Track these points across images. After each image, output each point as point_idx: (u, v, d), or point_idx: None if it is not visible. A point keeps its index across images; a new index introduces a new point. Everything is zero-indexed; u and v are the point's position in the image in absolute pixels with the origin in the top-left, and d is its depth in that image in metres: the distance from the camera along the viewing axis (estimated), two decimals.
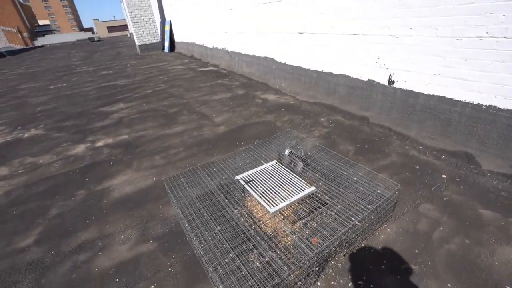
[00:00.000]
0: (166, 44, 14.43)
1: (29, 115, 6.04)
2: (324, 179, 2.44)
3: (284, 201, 1.98)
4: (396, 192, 2.12)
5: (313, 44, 4.74)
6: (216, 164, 2.81)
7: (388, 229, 2.11)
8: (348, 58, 4.07)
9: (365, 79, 3.88)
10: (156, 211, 2.58)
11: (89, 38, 27.82)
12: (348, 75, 4.17)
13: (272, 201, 2.00)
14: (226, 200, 2.17)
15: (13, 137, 4.87)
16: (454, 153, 2.95)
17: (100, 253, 2.20)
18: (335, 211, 2.08)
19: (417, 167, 2.89)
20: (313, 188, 2.08)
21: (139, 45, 14.28)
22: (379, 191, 2.17)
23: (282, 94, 5.77)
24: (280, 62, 5.80)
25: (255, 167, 2.56)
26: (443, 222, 2.14)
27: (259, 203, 2.03)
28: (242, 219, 2.05)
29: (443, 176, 2.70)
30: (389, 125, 3.66)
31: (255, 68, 6.86)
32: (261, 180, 2.26)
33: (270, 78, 6.30)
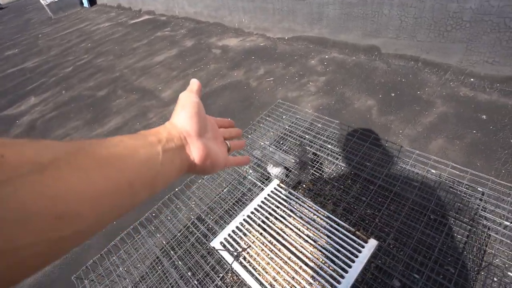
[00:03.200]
0: None
1: None
2: (378, 207, 1.39)
3: None
4: None
5: None
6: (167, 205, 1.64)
7: None
8: None
9: None
10: None
11: None
12: None
13: None
14: None
15: None
16: None
17: None
18: None
19: (484, 117, 1.86)
20: (373, 243, 1.03)
21: (47, 5, 10.99)
22: None
23: (246, 34, 4.25)
24: None
25: (241, 200, 1.44)
26: None
27: None
28: None
29: None
30: (414, 54, 2.49)
31: (201, 5, 5.05)
32: (261, 241, 1.17)
33: (224, 14, 4.63)
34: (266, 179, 1.46)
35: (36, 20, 11.97)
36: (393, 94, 2.24)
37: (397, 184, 1.27)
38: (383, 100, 2.22)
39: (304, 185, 1.67)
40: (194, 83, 0.44)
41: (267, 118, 1.77)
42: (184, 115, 0.37)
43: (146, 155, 0.30)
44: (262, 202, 1.26)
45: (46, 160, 0.21)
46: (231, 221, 1.28)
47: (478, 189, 1.15)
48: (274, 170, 1.57)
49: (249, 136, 1.69)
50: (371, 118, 2.08)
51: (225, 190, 1.48)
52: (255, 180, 1.40)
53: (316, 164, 1.61)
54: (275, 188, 1.30)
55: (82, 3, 11.73)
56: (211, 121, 0.45)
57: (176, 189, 1.53)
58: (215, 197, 1.47)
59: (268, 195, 1.28)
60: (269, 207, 1.25)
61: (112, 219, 0.27)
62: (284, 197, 1.28)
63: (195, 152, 0.36)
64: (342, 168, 1.64)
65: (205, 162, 0.38)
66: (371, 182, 1.47)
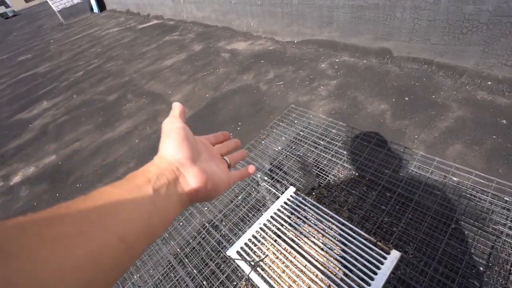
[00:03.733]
0: (93, 1, 11.45)
1: None
2: (397, 215, 1.35)
3: None
4: None
5: None
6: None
7: None
8: None
9: None
10: None
11: (1, 14, 22.51)
12: None
13: None
14: None
15: None
16: None
17: None
18: None
19: (504, 121, 1.81)
20: (396, 255, 0.99)
21: (59, 11, 11.26)
22: None
23: (254, 38, 4.25)
24: None
25: (255, 207, 1.42)
26: None
27: None
28: None
29: None
30: (427, 57, 2.44)
31: (210, 9, 5.09)
32: (277, 249, 1.15)
33: (232, 18, 4.65)
34: (281, 185, 1.44)
35: (47, 26, 12.27)
36: (406, 98, 2.20)
37: (417, 192, 1.23)
38: (396, 104, 2.18)
39: (318, 191, 1.65)
40: (176, 107, 0.40)
41: (280, 123, 1.75)
42: (171, 144, 0.34)
43: (134, 202, 0.27)
44: (278, 210, 1.24)
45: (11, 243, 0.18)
46: (245, 228, 1.26)
47: (505, 198, 1.11)
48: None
49: (263, 142, 1.67)
50: (385, 123, 2.04)
51: (239, 197, 1.46)
52: (270, 187, 1.38)
53: (331, 171, 1.58)
54: (291, 196, 1.28)
55: (92, 9, 11.99)
56: (202, 141, 0.42)
57: None
58: (229, 203, 1.45)
59: (284, 202, 1.26)
60: (285, 214, 1.22)
61: (111, 283, 0.24)
62: (300, 204, 1.25)
63: (192, 180, 0.33)
64: (358, 174, 1.61)
65: (206, 187, 0.35)
66: (389, 189, 1.43)
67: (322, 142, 1.59)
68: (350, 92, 2.45)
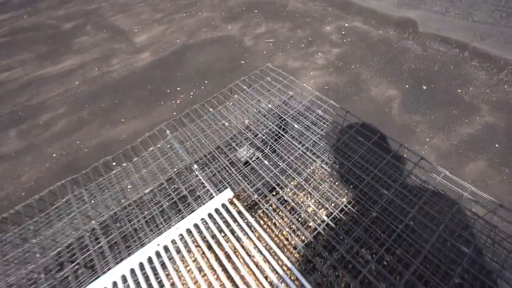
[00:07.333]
0: None
1: None
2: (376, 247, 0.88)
3: None
4: None
5: None
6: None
7: None
8: None
9: None
10: None
11: None
12: None
13: None
14: None
15: None
16: None
17: None
18: None
19: None
20: None
21: None
22: None
23: None
24: None
25: (181, 201, 0.93)
26: None
27: None
28: None
29: None
30: (462, 38, 1.86)
31: None
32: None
33: None
34: (219, 182, 0.94)
35: None
36: (424, 87, 1.67)
37: (410, 224, 0.75)
38: (410, 93, 1.65)
39: (271, 199, 1.16)
40: None
41: (244, 87, 1.20)
42: None
43: None
44: (197, 224, 0.74)
45: None
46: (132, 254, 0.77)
47: None
48: (241, 151, 1.06)
49: (211, 109, 1.13)
50: (390, 114, 1.53)
51: (156, 183, 0.95)
52: (204, 181, 0.87)
53: (302, 172, 1.09)
54: (222, 205, 0.78)
55: None
56: None
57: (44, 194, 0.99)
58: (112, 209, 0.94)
59: (209, 214, 0.76)
60: (207, 232, 0.73)
61: None
62: (231, 220, 0.76)
63: None
64: (337, 184, 1.12)
65: None
66: (371, 212, 0.96)
67: (297, 126, 1.07)
68: (354, 67, 1.88)
